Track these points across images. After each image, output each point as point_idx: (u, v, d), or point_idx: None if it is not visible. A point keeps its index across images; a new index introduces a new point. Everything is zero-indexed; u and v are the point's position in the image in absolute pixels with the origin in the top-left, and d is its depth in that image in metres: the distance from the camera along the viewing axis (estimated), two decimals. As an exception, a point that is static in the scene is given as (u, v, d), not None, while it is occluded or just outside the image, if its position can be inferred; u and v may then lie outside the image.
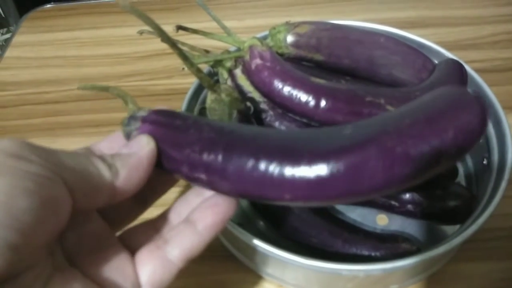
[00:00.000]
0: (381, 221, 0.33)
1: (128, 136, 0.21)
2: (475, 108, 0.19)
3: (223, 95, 0.25)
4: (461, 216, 0.29)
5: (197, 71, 0.23)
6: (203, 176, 0.19)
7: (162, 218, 0.22)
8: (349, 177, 0.17)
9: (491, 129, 0.32)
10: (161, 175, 0.21)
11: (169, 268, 0.19)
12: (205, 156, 0.19)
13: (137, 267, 0.19)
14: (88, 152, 0.19)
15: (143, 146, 0.19)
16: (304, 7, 0.57)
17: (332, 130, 0.19)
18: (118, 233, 0.22)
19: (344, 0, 0.57)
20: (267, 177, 0.18)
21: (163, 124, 0.20)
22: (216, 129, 0.19)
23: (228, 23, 0.33)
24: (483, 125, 0.19)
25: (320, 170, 0.17)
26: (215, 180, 0.19)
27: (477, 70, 0.47)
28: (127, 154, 0.19)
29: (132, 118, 0.21)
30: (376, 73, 0.33)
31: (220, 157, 0.18)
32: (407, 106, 0.20)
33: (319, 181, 0.17)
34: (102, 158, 0.18)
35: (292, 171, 0.17)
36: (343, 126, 0.19)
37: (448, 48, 0.41)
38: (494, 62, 0.47)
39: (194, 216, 0.20)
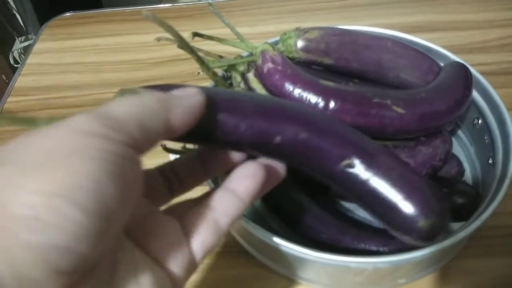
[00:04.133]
0: (389, 219, 0.35)
1: None
2: None
3: (237, 97, 0.27)
4: (466, 213, 0.30)
5: (213, 75, 0.25)
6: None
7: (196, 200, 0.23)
8: None
9: (496, 129, 0.33)
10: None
11: (218, 234, 0.20)
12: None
13: (188, 236, 0.19)
14: (144, 95, 0.17)
15: (195, 93, 0.19)
16: (314, 13, 0.59)
17: None
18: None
19: (353, 6, 0.59)
20: None
21: None
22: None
23: (240, 30, 0.35)
24: None
25: None
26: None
27: (484, 73, 0.48)
28: (181, 96, 0.18)
29: None
30: (384, 76, 0.34)
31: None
32: None
33: None
34: (157, 97, 0.17)
35: None
36: None
37: (456, 52, 0.42)
38: (502, 65, 0.48)
39: (233, 185, 0.21)
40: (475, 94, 0.35)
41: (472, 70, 0.35)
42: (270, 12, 0.59)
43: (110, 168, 0.14)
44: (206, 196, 0.21)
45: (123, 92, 0.20)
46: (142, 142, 0.16)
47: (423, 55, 0.35)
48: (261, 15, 0.59)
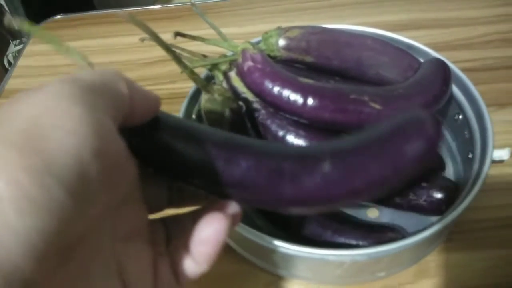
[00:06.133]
0: (372, 213, 0.35)
1: None
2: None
3: (216, 95, 0.27)
4: (446, 207, 0.31)
5: (191, 73, 0.26)
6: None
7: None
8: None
9: (475, 124, 0.34)
10: None
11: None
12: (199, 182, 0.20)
13: (155, 278, 0.19)
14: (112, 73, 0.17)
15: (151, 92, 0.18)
16: (302, 12, 0.59)
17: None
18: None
19: (340, 5, 0.59)
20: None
21: None
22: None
23: (229, 30, 0.35)
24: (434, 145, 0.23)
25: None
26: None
27: (468, 69, 0.48)
28: (139, 86, 0.18)
29: None
30: (364, 73, 0.35)
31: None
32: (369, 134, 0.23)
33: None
34: (116, 73, 0.17)
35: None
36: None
37: (441, 49, 0.43)
38: (486, 61, 0.49)
39: (193, 246, 0.19)
40: (455, 90, 0.36)
41: (452, 66, 0.36)
42: (259, 12, 0.60)
43: (94, 144, 0.13)
44: (172, 243, 0.21)
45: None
46: (116, 115, 0.15)
47: (403, 52, 0.36)
48: (250, 15, 0.60)
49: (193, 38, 0.34)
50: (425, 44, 0.38)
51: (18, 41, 1.20)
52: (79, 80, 0.14)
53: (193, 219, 0.20)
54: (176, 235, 0.21)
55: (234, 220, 0.20)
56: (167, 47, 0.24)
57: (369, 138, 0.22)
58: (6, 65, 1.14)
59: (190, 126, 0.21)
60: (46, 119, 0.13)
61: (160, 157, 0.20)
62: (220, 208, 0.20)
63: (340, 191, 0.21)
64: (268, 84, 0.30)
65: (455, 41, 0.52)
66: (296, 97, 0.29)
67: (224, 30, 0.35)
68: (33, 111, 0.13)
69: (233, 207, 0.20)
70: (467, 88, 0.35)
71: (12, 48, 1.17)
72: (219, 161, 0.20)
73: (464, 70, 0.36)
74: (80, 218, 0.13)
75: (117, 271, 0.17)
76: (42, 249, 0.12)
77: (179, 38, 0.34)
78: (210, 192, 0.21)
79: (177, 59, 0.25)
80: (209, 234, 0.18)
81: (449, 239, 0.34)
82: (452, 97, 0.36)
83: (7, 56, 1.17)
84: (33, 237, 0.11)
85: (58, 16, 0.64)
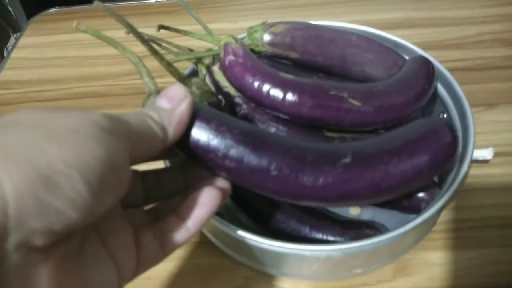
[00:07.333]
0: (354, 211, 0.35)
1: None
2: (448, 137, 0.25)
3: (193, 88, 0.27)
4: (426, 205, 0.31)
5: (167, 65, 0.26)
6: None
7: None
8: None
9: (458, 123, 0.33)
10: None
11: (160, 258, 0.22)
12: (227, 162, 0.22)
13: (138, 248, 0.21)
14: (145, 115, 0.20)
15: (182, 100, 0.21)
16: (295, 9, 0.59)
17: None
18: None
19: (334, 3, 0.59)
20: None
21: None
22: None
23: (222, 25, 0.35)
24: (454, 150, 0.26)
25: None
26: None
27: (459, 69, 0.48)
28: (170, 110, 0.21)
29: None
30: (349, 70, 0.35)
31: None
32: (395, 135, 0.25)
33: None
34: (154, 120, 0.20)
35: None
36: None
37: (433, 48, 0.42)
38: (476, 61, 0.48)
39: (186, 211, 0.22)
40: (440, 88, 0.36)
41: (438, 64, 0.35)
42: (252, 8, 0.60)
43: (113, 160, 0.17)
44: (161, 216, 0.23)
45: (149, 93, 0.23)
46: (137, 153, 0.19)
47: (388, 49, 0.35)
48: (243, 11, 0.59)
49: (177, 31, 0.34)
50: (418, 43, 0.38)
51: (18, 34, 1.20)
52: (118, 119, 0.18)
53: (184, 195, 0.23)
54: (163, 212, 0.24)
55: (224, 193, 0.23)
56: (143, 39, 0.24)
57: (388, 139, 0.24)
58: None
59: (220, 115, 0.23)
60: (84, 131, 0.16)
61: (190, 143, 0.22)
62: (211, 182, 0.23)
63: (360, 184, 0.22)
64: (249, 79, 0.30)
65: (448, 40, 0.51)
66: (275, 92, 0.29)
67: (217, 26, 0.35)
68: (74, 124, 0.17)
69: (222, 182, 0.23)
70: (452, 86, 0.35)
71: (13, 41, 1.18)
72: (247, 146, 0.22)
73: (455, 69, 0.36)
74: (91, 211, 0.16)
75: (102, 245, 0.20)
76: (53, 223, 0.15)
77: (171, 33, 0.34)
78: (232, 178, 0.23)
79: (153, 51, 0.25)
80: (206, 198, 0.22)
81: (431, 238, 0.33)
82: (437, 96, 0.36)
83: (7, 48, 1.17)
84: (49, 209, 0.15)
85: (53, 9, 0.65)
